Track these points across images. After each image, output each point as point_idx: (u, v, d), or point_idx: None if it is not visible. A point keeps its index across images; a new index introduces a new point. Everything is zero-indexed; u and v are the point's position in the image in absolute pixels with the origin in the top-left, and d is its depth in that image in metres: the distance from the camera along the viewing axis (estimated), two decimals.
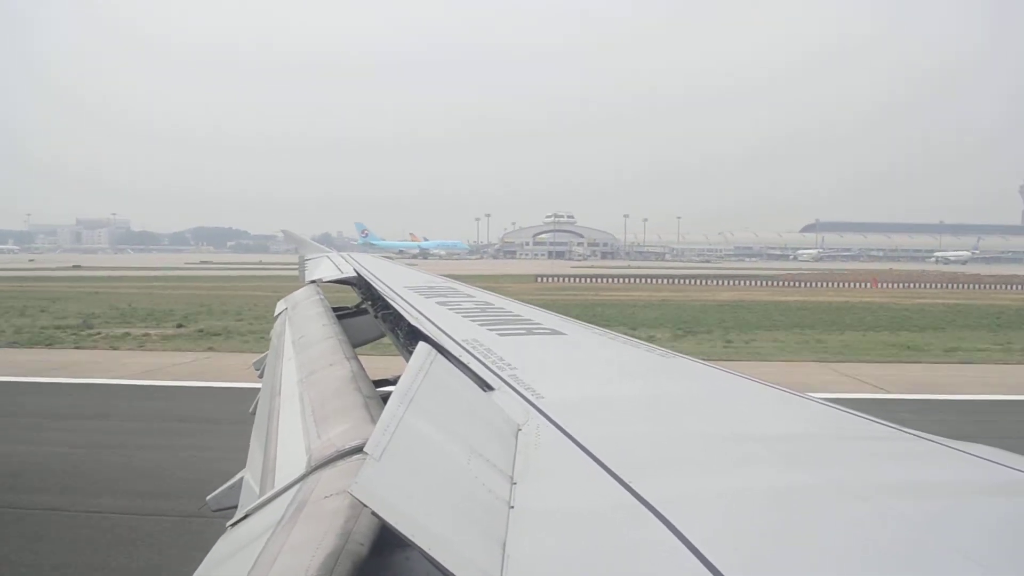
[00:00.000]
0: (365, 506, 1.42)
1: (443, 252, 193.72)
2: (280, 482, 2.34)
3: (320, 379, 3.58)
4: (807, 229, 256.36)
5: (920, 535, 1.57)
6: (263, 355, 6.27)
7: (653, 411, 2.69)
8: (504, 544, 1.50)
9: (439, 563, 1.34)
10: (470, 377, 2.88)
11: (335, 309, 6.93)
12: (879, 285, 78.80)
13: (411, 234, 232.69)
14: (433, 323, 4.22)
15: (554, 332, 4.36)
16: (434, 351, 2.96)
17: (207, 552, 2.11)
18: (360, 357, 4.20)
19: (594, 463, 1.93)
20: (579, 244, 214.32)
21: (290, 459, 2.53)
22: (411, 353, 2.98)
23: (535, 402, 2.54)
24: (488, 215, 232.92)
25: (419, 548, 1.35)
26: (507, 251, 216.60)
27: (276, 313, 7.43)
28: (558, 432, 2.22)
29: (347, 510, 1.75)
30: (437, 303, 5.54)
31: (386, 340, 6.72)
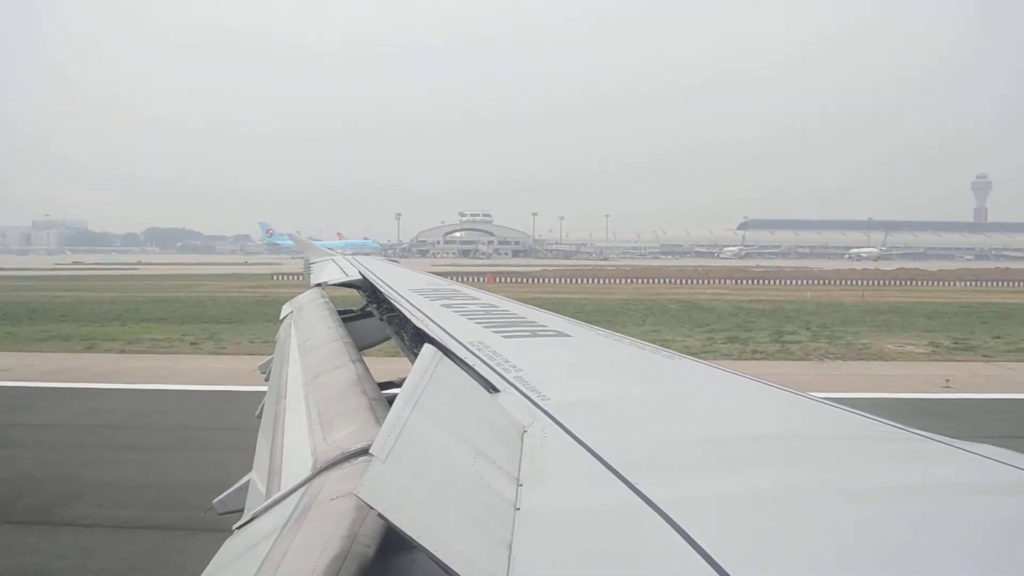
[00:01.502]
0: (371, 508, 1.42)
1: (350, 252, 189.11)
2: (286, 484, 2.36)
3: (326, 382, 3.61)
4: (743, 227, 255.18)
5: (924, 535, 1.58)
6: (269, 358, 6.26)
7: (658, 412, 2.69)
8: (510, 546, 1.50)
9: (445, 565, 1.34)
10: (475, 379, 2.88)
11: (340, 312, 6.94)
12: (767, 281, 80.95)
13: (339, 233, 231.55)
14: (438, 325, 4.23)
15: (559, 334, 4.38)
16: (439, 353, 2.96)
17: (214, 554, 2.14)
18: (365, 359, 4.24)
19: (600, 464, 1.94)
20: (488, 243, 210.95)
21: (296, 461, 2.55)
22: (416, 355, 3.04)
23: (540, 404, 2.53)
24: (399, 213, 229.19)
25: (425, 550, 1.35)
26: (420, 250, 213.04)
27: (281, 316, 7.45)
28: (564, 434, 2.22)
29: (353, 512, 1.76)
30: (442, 305, 5.55)
31: (391, 343, 6.63)
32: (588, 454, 2.03)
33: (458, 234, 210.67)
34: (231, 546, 2.20)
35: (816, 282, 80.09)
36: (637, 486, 1.75)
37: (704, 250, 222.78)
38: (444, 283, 8.25)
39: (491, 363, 3.17)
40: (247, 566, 1.76)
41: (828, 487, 1.85)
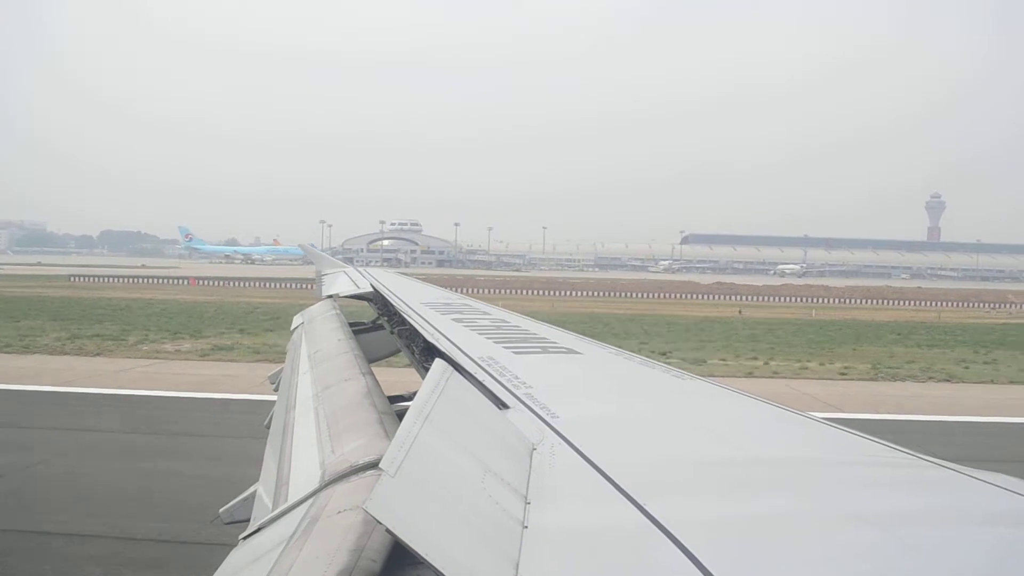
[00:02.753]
0: (379, 523, 1.41)
1: (270, 258, 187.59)
2: (293, 496, 2.35)
3: (335, 394, 3.61)
4: (685, 241, 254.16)
5: (930, 562, 1.57)
6: (279, 368, 6.27)
7: (668, 432, 2.70)
8: (517, 565, 1.50)
9: None
10: (485, 395, 2.88)
11: (351, 324, 6.90)
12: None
13: (275, 239, 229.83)
14: (449, 340, 4.21)
15: (570, 351, 4.37)
16: (450, 368, 2.95)
17: (219, 564, 2.13)
18: (375, 372, 4.21)
19: (608, 484, 1.93)
20: (411, 251, 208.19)
21: (304, 473, 2.55)
22: (426, 369, 3.06)
23: (550, 421, 2.53)
24: (323, 220, 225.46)
25: (432, 567, 1.35)
26: (346, 257, 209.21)
27: (292, 327, 7.40)
28: (573, 452, 2.22)
29: (360, 526, 1.76)
30: (453, 320, 5.56)
31: (402, 356, 6.66)
32: (597, 473, 2.02)
33: (386, 242, 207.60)
34: (237, 556, 2.19)
35: (725, 297, 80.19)
36: (645, 507, 1.74)
37: (639, 263, 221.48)
38: (455, 297, 8.27)
39: (501, 379, 3.17)
40: None
41: (836, 511, 1.84)
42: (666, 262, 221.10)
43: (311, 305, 8.62)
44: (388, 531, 1.41)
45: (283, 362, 6.07)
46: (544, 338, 4.89)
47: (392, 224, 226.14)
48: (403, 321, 5.97)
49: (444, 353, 3.60)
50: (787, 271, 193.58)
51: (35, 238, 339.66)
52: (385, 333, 7.23)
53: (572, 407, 2.82)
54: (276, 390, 5.41)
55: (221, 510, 3.52)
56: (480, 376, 3.18)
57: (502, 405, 2.77)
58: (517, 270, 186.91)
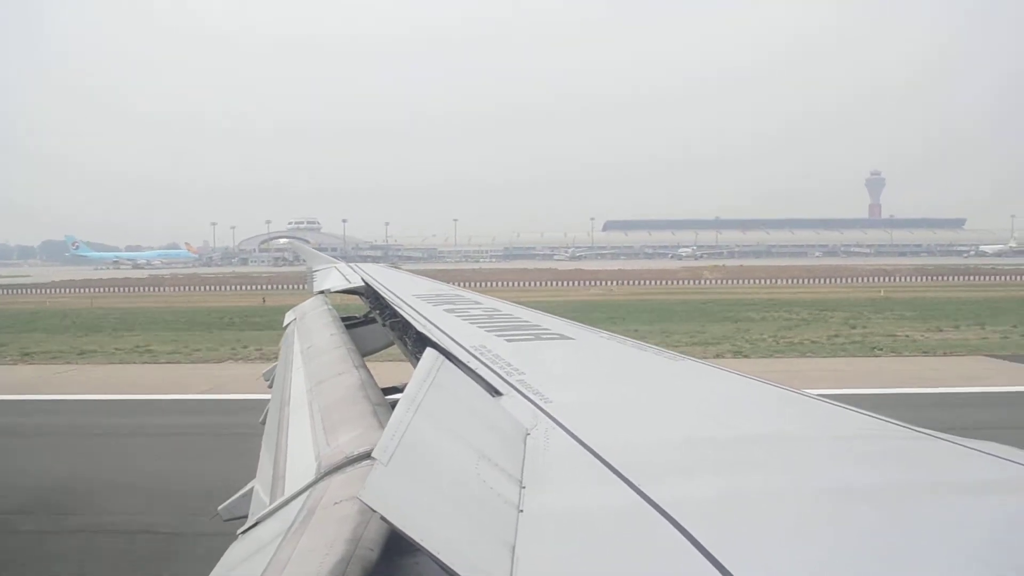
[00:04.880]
0: (374, 511, 1.43)
1: (158, 262, 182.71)
2: (290, 489, 2.37)
3: (329, 388, 3.62)
4: (605, 228, 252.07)
5: (926, 534, 1.59)
6: (273, 365, 6.32)
7: (661, 414, 2.70)
8: (513, 548, 1.51)
9: (449, 567, 1.34)
10: (478, 383, 2.89)
11: (343, 319, 7.00)
12: None
13: (187, 243, 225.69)
14: (441, 330, 4.25)
15: (562, 337, 4.39)
16: (441, 357, 2.99)
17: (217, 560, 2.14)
18: (369, 365, 4.26)
19: (603, 466, 1.94)
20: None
21: (299, 467, 2.56)
22: (420, 360, 3.03)
23: (543, 406, 2.54)
24: (215, 222, 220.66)
25: (429, 553, 1.36)
26: (242, 258, 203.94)
27: (285, 324, 7.47)
28: (567, 436, 2.23)
29: (356, 516, 1.76)
30: (444, 310, 5.55)
31: (395, 348, 6.65)
32: (591, 456, 2.02)
33: (282, 240, 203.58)
34: (235, 551, 2.20)
35: (575, 283, 79.70)
36: (640, 488, 1.75)
37: (549, 252, 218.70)
38: (447, 288, 8.22)
39: (493, 366, 3.16)
40: (251, 570, 1.77)
41: (831, 486, 1.85)
42: (570, 250, 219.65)
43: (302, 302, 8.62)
44: (383, 519, 1.41)
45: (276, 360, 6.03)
46: (536, 325, 4.86)
47: (290, 223, 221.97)
48: (395, 314, 5.90)
49: (435, 343, 3.60)
50: (684, 254, 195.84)
51: None
52: (377, 326, 7.13)
53: (565, 392, 2.82)
54: (270, 387, 5.35)
55: (220, 507, 3.49)
56: (472, 364, 3.18)
57: (495, 392, 2.77)
58: (415, 262, 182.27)
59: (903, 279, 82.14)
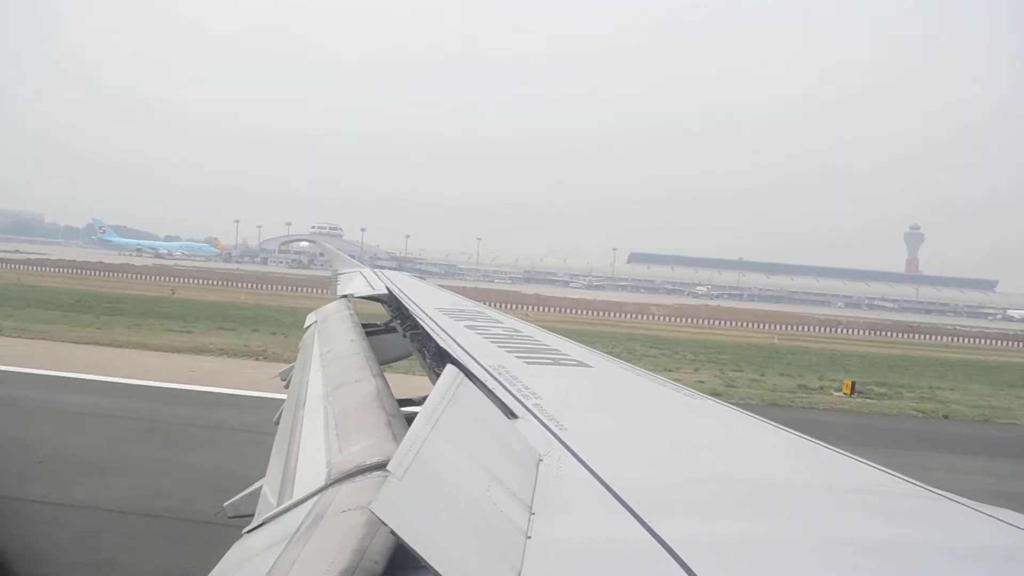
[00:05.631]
0: (383, 524, 1.43)
1: (179, 254, 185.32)
2: (299, 493, 2.36)
3: (345, 394, 3.61)
4: (631, 259, 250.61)
5: None
6: (290, 366, 6.41)
7: (676, 451, 2.69)
8: (519, 574, 1.51)
9: None
10: (495, 404, 2.89)
11: (364, 325, 6.93)
12: None
13: (216, 239, 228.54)
14: (461, 347, 4.21)
15: (581, 364, 4.38)
16: (461, 375, 2.96)
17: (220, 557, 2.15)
18: (386, 375, 4.21)
19: (614, 499, 1.94)
20: (319, 254, 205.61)
21: (310, 471, 2.55)
22: (437, 374, 3.07)
23: (558, 433, 2.54)
24: (238, 220, 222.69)
25: (435, 571, 1.36)
26: (263, 257, 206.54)
27: (306, 326, 7.40)
28: (579, 465, 2.23)
29: (364, 527, 1.76)
30: (466, 326, 5.57)
31: (413, 360, 6.69)
32: (602, 487, 2.03)
33: (303, 243, 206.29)
34: (239, 550, 2.20)
35: (599, 313, 79.84)
36: (649, 524, 1.75)
37: (568, 279, 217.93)
38: (470, 304, 8.31)
39: (511, 389, 3.17)
40: (254, 572, 1.78)
41: (838, 538, 1.85)
42: (586, 279, 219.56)
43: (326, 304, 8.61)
44: (392, 533, 1.41)
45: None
46: (556, 350, 4.88)
47: (312, 227, 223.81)
48: (416, 325, 5.92)
49: (456, 359, 3.60)
50: (699, 292, 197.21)
51: None
52: (398, 336, 7.15)
53: (580, 420, 2.82)
54: (286, 387, 5.42)
55: (225, 504, 3.53)
56: (491, 384, 3.18)
57: (511, 414, 2.77)
58: (433, 277, 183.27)
59: (886, 334, 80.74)
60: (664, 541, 1.63)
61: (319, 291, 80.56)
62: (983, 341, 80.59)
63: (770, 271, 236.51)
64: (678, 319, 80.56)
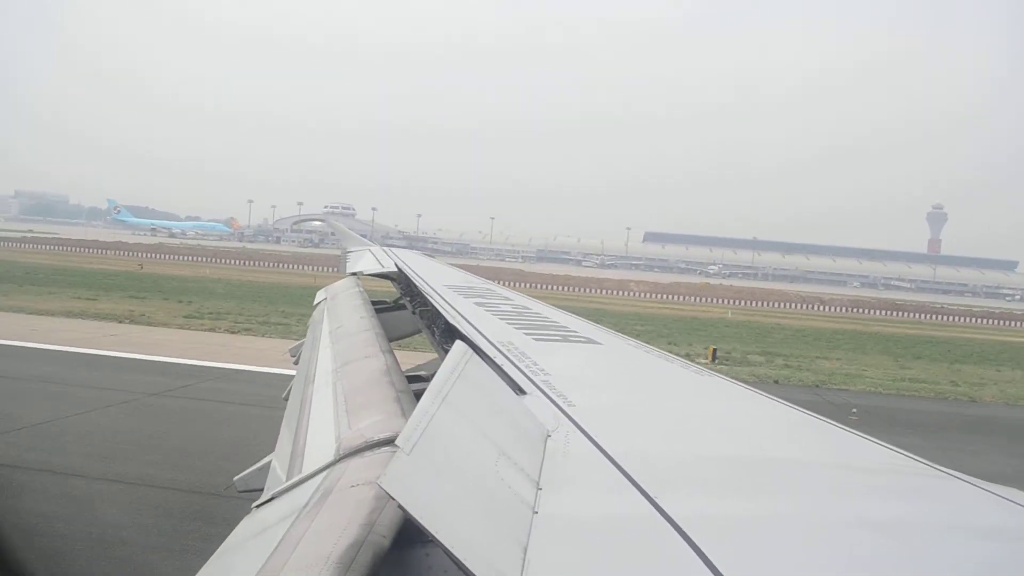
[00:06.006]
0: (392, 499, 1.43)
1: (192, 233, 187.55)
2: (308, 468, 2.38)
3: (354, 370, 3.62)
4: (646, 239, 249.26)
5: (936, 572, 1.59)
6: (300, 342, 6.46)
7: (683, 427, 2.70)
8: (526, 548, 1.51)
9: (460, 562, 1.35)
10: (504, 379, 2.88)
11: (373, 302, 6.87)
12: None
13: (232, 218, 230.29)
14: (470, 323, 4.23)
15: (590, 341, 4.39)
16: (470, 351, 2.97)
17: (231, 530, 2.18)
18: (395, 351, 4.22)
19: (621, 475, 1.94)
20: (331, 233, 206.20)
21: (319, 446, 2.58)
22: (446, 351, 3.05)
23: (566, 409, 2.54)
24: (251, 200, 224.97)
25: (442, 545, 1.36)
26: (276, 237, 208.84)
27: (315, 303, 7.48)
28: (587, 441, 2.23)
29: (372, 501, 1.77)
30: (475, 303, 5.57)
31: (422, 336, 6.69)
32: (610, 463, 2.03)
33: (316, 223, 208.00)
34: (249, 524, 2.22)
35: (574, 289, 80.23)
36: (656, 500, 1.75)
37: (581, 258, 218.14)
38: (478, 281, 8.26)
39: (520, 365, 3.17)
40: (263, 545, 1.79)
41: (844, 515, 1.85)
42: (598, 259, 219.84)
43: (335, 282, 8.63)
44: (400, 507, 1.41)
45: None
46: (565, 327, 4.88)
47: (325, 207, 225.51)
48: (425, 302, 5.89)
49: (464, 336, 3.56)
50: (711, 271, 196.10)
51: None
52: (407, 313, 7.17)
53: (589, 396, 2.82)
54: (296, 363, 5.40)
55: (236, 478, 3.55)
56: (499, 360, 3.17)
57: (519, 390, 2.76)
58: (444, 256, 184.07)
59: (862, 311, 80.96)
60: (670, 517, 1.64)
61: (295, 267, 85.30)
62: (973, 320, 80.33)
63: (786, 250, 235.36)
64: (655, 295, 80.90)
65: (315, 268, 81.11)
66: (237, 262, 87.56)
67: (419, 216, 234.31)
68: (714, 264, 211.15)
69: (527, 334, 4.20)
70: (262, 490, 2.74)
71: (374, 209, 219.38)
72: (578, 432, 2.30)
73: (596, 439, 2.22)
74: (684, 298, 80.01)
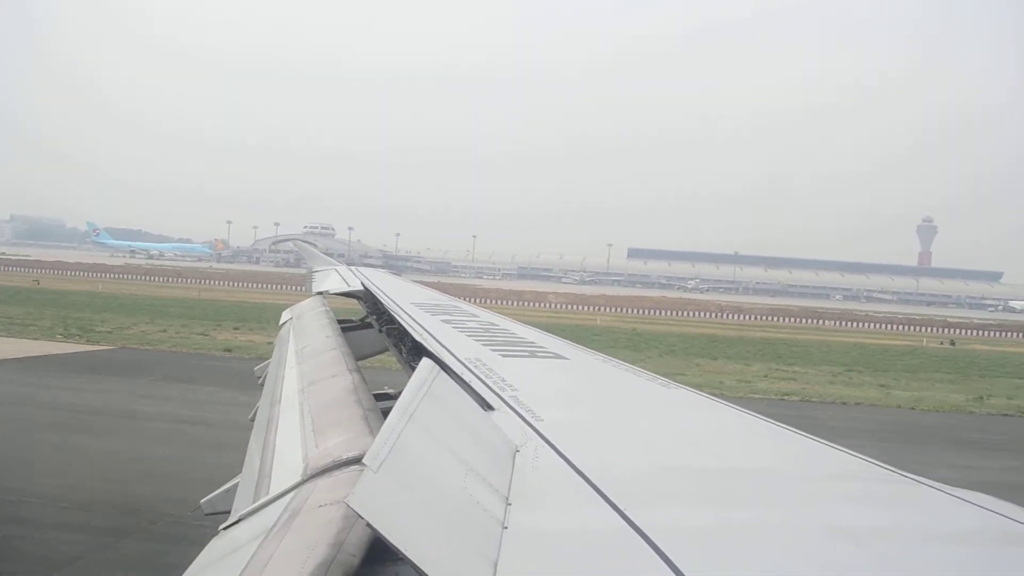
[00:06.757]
0: (360, 517, 1.41)
1: (171, 255, 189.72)
2: (275, 488, 2.37)
3: (321, 389, 3.62)
4: (630, 256, 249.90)
5: None
6: (265, 362, 6.35)
7: (651, 440, 2.71)
8: (496, 564, 1.51)
9: None
10: (471, 396, 2.90)
11: (340, 321, 6.97)
12: None
13: (217, 239, 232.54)
14: (437, 340, 4.25)
15: (557, 356, 4.43)
16: (437, 367, 2.97)
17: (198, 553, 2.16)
18: (363, 370, 4.21)
19: (590, 488, 1.95)
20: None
21: (286, 467, 2.56)
22: (414, 368, 3.06)
23: (534, 424, 2.55)
24: (230, 221, 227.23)
25: (411, 563, 1.36)
26: (255, 257, 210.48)
27: (281, 323, 7.46)
28: (556, 455, 2.24)
29: (340, 520, 1.76)
30: (442, 321, 5.58)
31: (390, 355, 6.70)
32: (579, 477, 2.04)
33: (290, 243, 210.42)
34: (216, 547, 2.20)
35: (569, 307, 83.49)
36: (626, 512, 1.75)
37: (560, 275, 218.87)
38: (445, 299, 8.38)
39: (487, 381, 3.18)
40: (231, 567, 1.77)
41: (814, 524, 1.87)
42: (578, 275, 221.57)
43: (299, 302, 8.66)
44: (369, 526, 1.40)
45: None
46: (532, 342, 4.91)
47: (305, 227, 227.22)
48: (392, 320, 5.96)
49: (431, 353, 3.58)
50: (690, 286, 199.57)
51: None
52: (374, 331, 7.18)
53: (557, 411, 2.83)
54: (262, 384, 5.37)
55: (202, 501, 3.51)
56: (466, 377, 3.19)
57: (487, 406, 2.78)
58: (423, 274, 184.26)
59: (783, 320, 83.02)
60: (640, 530, 1.65)
61: (226, 284, 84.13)
62: (887, 327, 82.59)
63: (769, 265, 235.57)
64: (570, 306, 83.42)
65: (264, 286, 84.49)
66: (191, 281, 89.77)
67: (398, 235, 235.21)
68: (693, 279, 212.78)
69: (494, 350, 4.21)
70: (229, 512, 2.72)
71: (350, 228, 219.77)
72: (547, 447, 2.31)
73: (565, 453, 2.23)
74: (598, 309, 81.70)
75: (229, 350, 31.01)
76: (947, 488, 2.20)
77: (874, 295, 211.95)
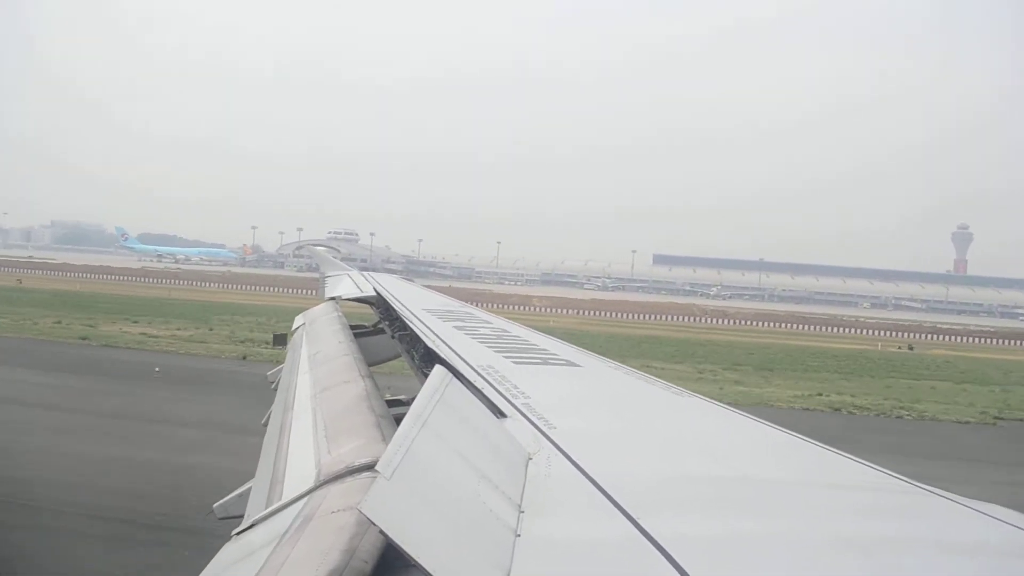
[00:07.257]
0: (373, 524, 1.42)
1: (197, 259, 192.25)
2: (288, 494, 2.38)
3: (334, 395, 3.64)
4: (655, 262, 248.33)
5: None
6: (279, 367, 6.38)
7: (664, 448, 2.72)
8: (508, 572, 1.51)
9: None
10: (484, 403, 2.89)
11: (352, 327, 6.95)
12: None
13: (245, 245, 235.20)
14: (450, 347, 4.25)
15: (569, 363, 4.42)
16: (449, 375, 2.92)
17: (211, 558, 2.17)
18: (375, 376, 4.24)
19: (603, 497, 1.95)
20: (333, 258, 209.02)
21: (299, 472, 2.57)
22: (426, 375, 3.07)
23: (547, 432, 2.56)
24: (255, 226, 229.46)
25: (424, 571, 1.36)
26: (279, 262, 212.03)
27: (293, 328, 7.51)
28: (568, 464, 2.25)
29: (353, 527, 1.76)
30: (454, 327, 5.61)
31: (402, 361, 6.68)
32: (592, 486, 2.04)
33: (320, 248, 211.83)
34: (229, 552, 2.20)
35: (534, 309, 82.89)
36: (638, 521, 1.75)
37: (584, 281, 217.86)
38: (457, 305, 8.34)
39: (500, 388, 3.19)
40: (244, 572, 1.78)
41: (827, 534, 1.85)
42: (600, 281, 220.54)
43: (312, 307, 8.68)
44: (382, 533, 1.41)
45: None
46: (544, 350, 4.92)
47: (329, 233, 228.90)
48: (404, 326, 5.94)
49: (444, 360, 3.60)
50: (712, 293, 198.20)
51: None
52: (386, 337, 7.17)
53: (569, 419, 2.83)
54: (275, 389, 5.37)
55: (215, 505, 3.53)
56: (479, 384, 3.19)
57: (500, 414, 2.77)
58: (444, 279, 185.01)
59: (776, 325, 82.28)
60: (653, 538, 1.65)
61: (231, 287, 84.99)
62: (888, 333, 79.99)
63: (795, 272, 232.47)
64: (556, 309, 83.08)
65: (277, 290, 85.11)
66: (199, 284, 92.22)
67: (420, 240, 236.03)
68: (715, 286, 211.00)
69: (507, 357, 4.23)
70: (242, 516, 2.72)
71: (372, 234, 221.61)
72: (560, 455, 2.31)
73: (578, 462, 2.23)
74: (584, 313, 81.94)
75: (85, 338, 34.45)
76: (961, 499, 2.18)
77: (903, 303, 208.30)
